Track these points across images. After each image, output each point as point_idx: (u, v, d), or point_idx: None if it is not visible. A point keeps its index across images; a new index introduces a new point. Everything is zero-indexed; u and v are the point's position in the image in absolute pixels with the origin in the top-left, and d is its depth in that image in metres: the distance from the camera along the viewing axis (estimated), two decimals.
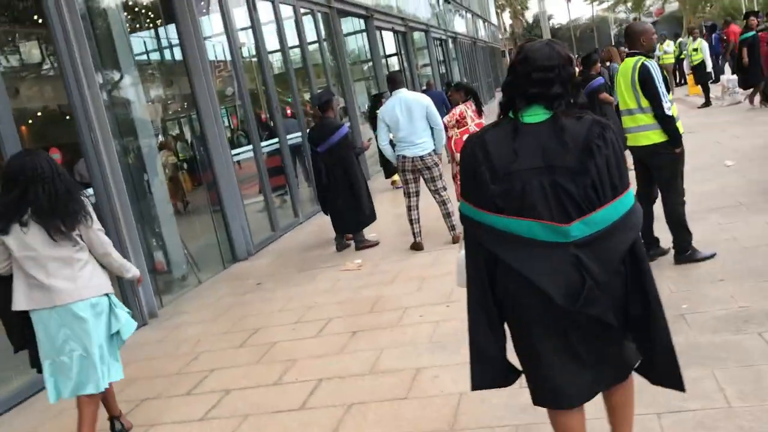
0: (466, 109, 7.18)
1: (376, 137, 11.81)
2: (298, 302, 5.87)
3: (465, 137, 7.03)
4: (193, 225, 8.32)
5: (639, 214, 2.18)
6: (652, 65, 4.51)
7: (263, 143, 9.54)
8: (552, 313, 2.11)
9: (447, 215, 6.84)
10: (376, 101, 12.36)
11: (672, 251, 4.85)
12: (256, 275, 7.24)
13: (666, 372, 2.26)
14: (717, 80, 16.33)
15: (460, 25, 32.29)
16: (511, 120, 2.21)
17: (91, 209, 3.50)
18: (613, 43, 44.44)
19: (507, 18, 74.15)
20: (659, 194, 4.86)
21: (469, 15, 36.03)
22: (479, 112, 7.19)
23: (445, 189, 6.85)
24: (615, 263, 2.10)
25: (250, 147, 9.17)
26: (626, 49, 5.13)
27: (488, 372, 2.33)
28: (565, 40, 69.72)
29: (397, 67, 20.15)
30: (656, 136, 4.53)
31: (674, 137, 4.55)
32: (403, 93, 6.83)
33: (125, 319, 3.62)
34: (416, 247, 6.88)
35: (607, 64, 10.10)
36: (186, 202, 8.48)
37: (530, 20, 72.43)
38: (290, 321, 5.37)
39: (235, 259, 8.14)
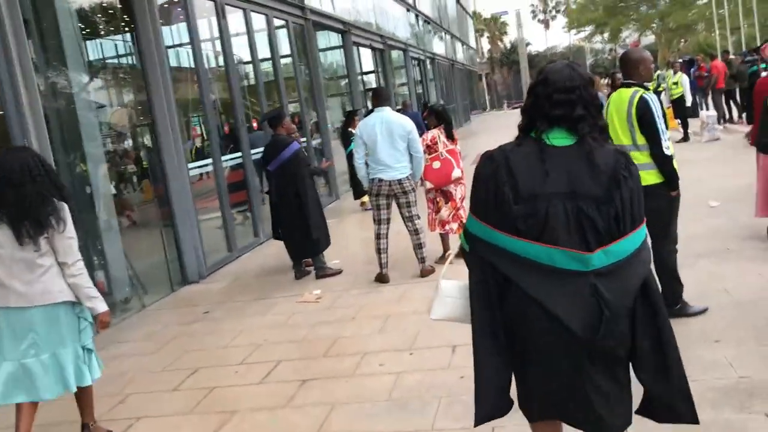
0: (439, 134, 6.70)
1: (347, 156, 11.63)
2: (246, 337, 5.30)
3: (435, 164, 6.66)
4: (141, 242, 7.69)
5: (649, 247, 2.19)
6: (652, 99, 4.09)
7: (225, 157, 8.96)
8: (568, 344, 2.03)
9: (418, 246, 6.33)
10: (350, 118, 11.91)
11: None
12: (206, 301, 6.64)
13: (683, 404, 2.15)
14: (695, 115, 16.18)
15: (438, 46, 32.07)
16: (536, 141, 2.13)
17: (66, 215, 3.42)
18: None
19: (485, 43, 74.75)
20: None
21: (448, 37, 35.90)
22: (451, 138, 6.70)
23: (418, 217, 6.36)
24: (631, 295, 2.05)
25: (210, 160, 8.59)
26: (619, 78, 4.68)
27: (493, 404, 2.19)
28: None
29: (373, 85, 19.75)
30: (652, 177, 4.09)
31: (672, 179, 4.12)
32: (386, 113, 6.29)
33: (84, 327, 3.62)
34: (382, 279, 6.36)
35: None
36: (131, 218, 7.83)
37: (508, 46, 72.94)
38: (235, 361, 4.80)
39: (185, 282, 7.52)
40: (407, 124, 6.26)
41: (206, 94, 8.57)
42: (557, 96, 2.07)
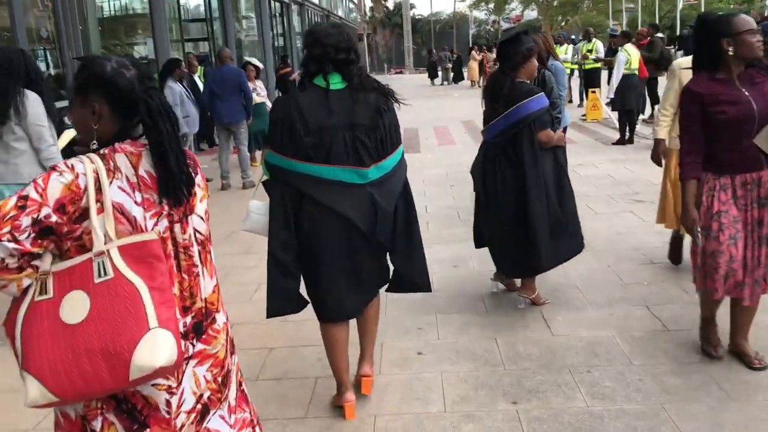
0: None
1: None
2: None
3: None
4: None
5: (405, 160, 3.01)
6: None
7: None
8: (348, 239, 2.84)
9: None
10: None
11: None
12: None
13: (421, 278, 3.12)
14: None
15: None
16: (318, 86, 2.81)
17: (30, 104, 3.85)
18: (471, 44, 39.59)
19: (368, 0, 70.22)
20: None
21: None
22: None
23: None
24: (395, 198, 2.92)
25: None
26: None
27: (281, 303, 2.95)
28: (424, 33, 67.17)
29: (203, 36, 14.81)
30: None
31: None
32: None
33: None
34: None
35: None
36: None
37: (391, 7, 68.86)
38: None
39: None
40: None
41: None
42: (341, 55, 2.79)
